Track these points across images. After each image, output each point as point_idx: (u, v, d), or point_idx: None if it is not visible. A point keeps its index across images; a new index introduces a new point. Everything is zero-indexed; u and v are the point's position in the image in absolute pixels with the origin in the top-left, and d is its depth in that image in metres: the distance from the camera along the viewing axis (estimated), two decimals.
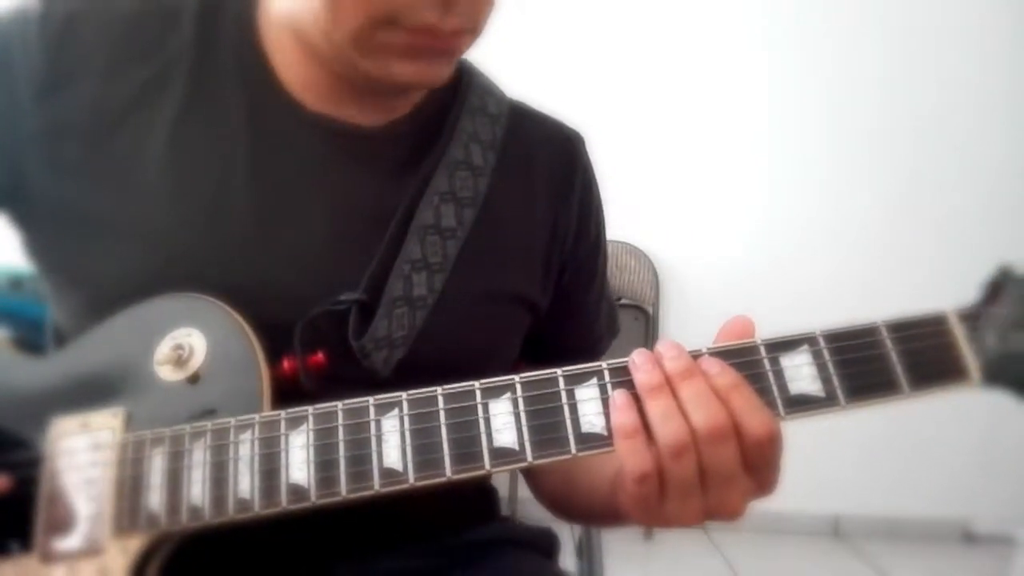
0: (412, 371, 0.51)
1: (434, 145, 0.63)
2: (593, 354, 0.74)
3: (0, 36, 0.58)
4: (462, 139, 0.63)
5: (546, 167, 0.68)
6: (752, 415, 0.44)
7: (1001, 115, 2.48)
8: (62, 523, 0.50)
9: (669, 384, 0.45)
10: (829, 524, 2.58)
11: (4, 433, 0.54)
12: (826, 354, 0.45)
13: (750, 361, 0.46)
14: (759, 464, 0.45)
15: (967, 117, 2.48)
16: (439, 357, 0.58)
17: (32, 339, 0.65)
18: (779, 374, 0.46)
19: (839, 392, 0.45)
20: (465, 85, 0.66)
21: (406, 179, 0.61)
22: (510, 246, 0.65)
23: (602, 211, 0.74)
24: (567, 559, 0.80)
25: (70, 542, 0.50)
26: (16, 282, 1.03)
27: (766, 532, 2.48)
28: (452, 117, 0.64)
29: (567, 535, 0.98)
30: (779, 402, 0.45)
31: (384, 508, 0.47)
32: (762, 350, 0.46)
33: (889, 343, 0.45)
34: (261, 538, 0.52)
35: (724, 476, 0.44)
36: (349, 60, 0.54)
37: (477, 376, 0.48)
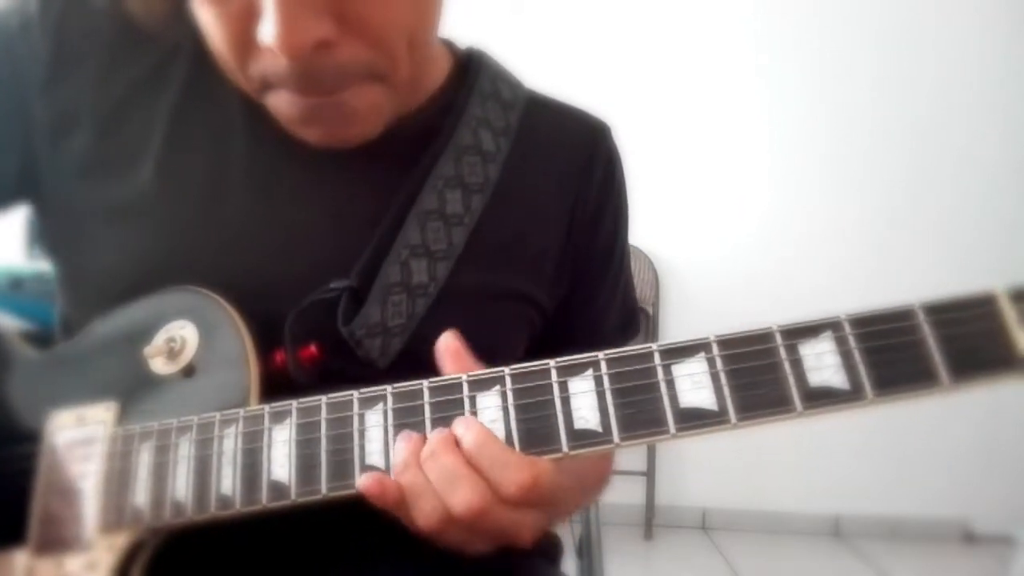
0: (414, 364, 0.48)
1: (441, 132, 0.60)
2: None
3: (1, 27, 0.57)
4: (471, 124, 0.60)
5: (566, 159, 0.65)
6: (502, 473, 0.42)
7: (999, 115, 2.48)
8: (54, 517, 0.50)
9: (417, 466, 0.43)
10: (829, 524, 2.58)
11: (4, 427, 0.54)
12: (852, 341, 0.40)
13: (764, 349, 0.41)
14: (533, 506, 0.43)
15: (965, 117, 2.48)
16: None
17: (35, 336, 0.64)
18: (797, 363, 0.40)
19: (866, 384, 0.39)
20: (475, 71, 0.63)
21: (410, 167, 0.58)
22: (522, 240, 0.62)
23: (624, 205, 0.70)
24: (567, 559, 0.78)
25: (60, 536, 0.50)
26: (16, 282, 1.03)
27: (766, 532, 2.49)
28: (460, 102, 0.61)
29: (567, 535, 0.97)
30: (796, 396, 0.40)
31: (384, 512, 0.45)
32: (778, 337, 0.41)
33: (926, 327, 0.39)
34: (255, 543, 0.52)
35: (498, 528, 0.44)
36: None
37: None
